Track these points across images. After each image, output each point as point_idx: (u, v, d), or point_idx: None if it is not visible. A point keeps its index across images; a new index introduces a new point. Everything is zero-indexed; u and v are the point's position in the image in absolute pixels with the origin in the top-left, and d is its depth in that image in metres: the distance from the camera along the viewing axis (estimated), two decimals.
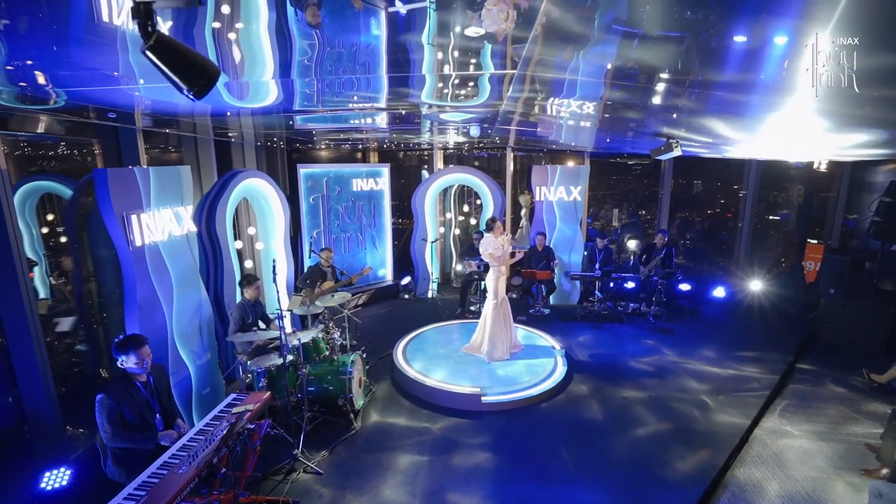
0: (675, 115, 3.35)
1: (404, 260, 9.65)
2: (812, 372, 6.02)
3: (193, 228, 4.68)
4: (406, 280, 9.16)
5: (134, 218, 3.80)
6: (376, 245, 9.08)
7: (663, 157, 4.37)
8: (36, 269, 6.22)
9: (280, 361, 4.56)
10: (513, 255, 5.82)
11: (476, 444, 4.45)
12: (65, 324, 5.62)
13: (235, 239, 6.76)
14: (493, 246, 5.51)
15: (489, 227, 5.71)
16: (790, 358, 6.21)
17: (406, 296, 9.10)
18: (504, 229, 8.96)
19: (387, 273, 9.36)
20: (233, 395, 3.85)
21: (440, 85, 3.31)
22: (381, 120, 5.60)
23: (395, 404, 5.21)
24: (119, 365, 3.17)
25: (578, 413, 4.97)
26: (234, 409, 3.57)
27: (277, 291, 4.42)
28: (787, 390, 5.55)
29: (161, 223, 4.18)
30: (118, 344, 3.16)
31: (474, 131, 5.16)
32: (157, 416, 3.25)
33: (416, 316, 7.99)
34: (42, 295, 6.14)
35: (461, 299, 8.03)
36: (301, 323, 6.32)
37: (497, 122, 5.00)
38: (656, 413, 4.95)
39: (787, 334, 7.07)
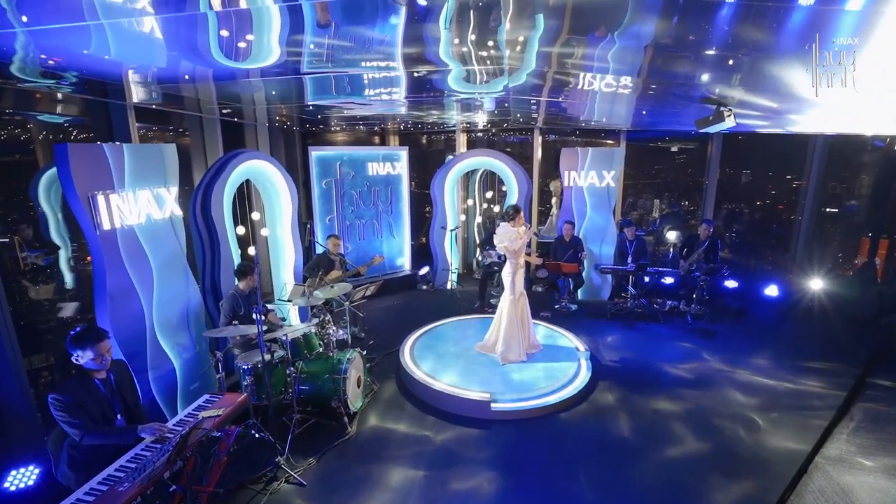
0: (731, 64, 2.62)
1: (424, 249, 9.17)
2: (888, 388, 5.10)
3: (179, 212, 4.33)
4: (424, 270, 8.68)
5: (101, 199, 3.45)
6: (393, 233, 8.62)
7: (712, 130, 3.62)
8: (61, 252, 6.12)
9: (268, 358, 4.19)
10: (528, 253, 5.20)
11: (480, 460, 3.92)
12: (67, 309, 5.48)
13: (238, 225, 6.46)
14: (510, 237, 4.92)
15: (509, 216, 5.12)
16: (859, 370, 5.31)
17: (424, 287, 8.64)
18: (526, 219, 8.36)
19: (405, 262, 8.91)
20: (206, 397, 3.49)
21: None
22: (398, 93, 4.94)
23: (396, 407, 4.75)
24: (74, 360, 2.83)
25: (601, 427, 4.35)
26: (202, 414, 3.19)
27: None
28: (856, 410, 4.69)
29: (138, 205, 3.84)
30: (73, 337, 2.82)
31: (488, 104, 4.55)
32: (119, 416, 2.92)
33: (432, 309, 7.51)
34: (68, 280, 6.03)
35: (480, 292, 7.47)
36: (308, 314, 5.95)
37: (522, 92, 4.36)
38: (693, 431, 4.26)
39: (856, 342, 6.11)
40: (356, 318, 6.45)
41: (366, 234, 8.31)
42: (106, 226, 3.50)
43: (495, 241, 5.10)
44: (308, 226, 6.12)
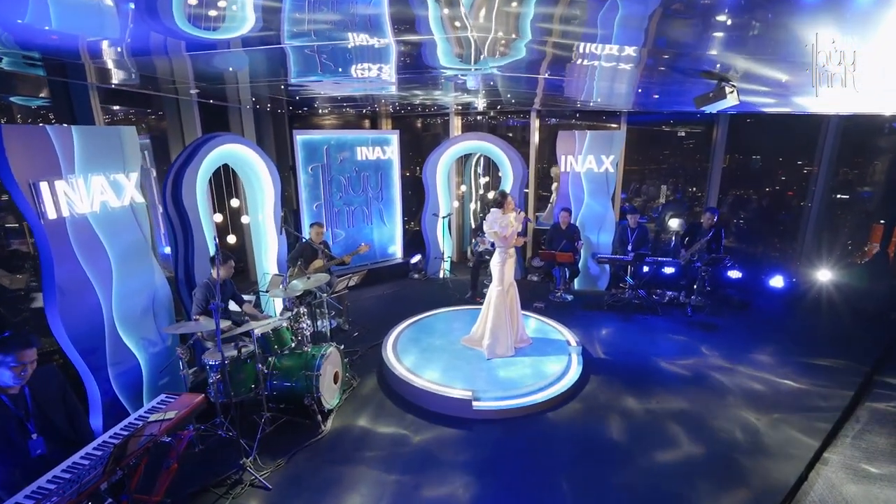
0: (732, 33, 2.28)
1: (420, 237, 8.88)
2: None
3: (140, 199, 4.07)
4: (416, 258, 8.42)
5: (44, 185, 3.19)
6: (384, 220, 8.34)
7: (712, 108, 3.28)
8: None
9: (234, 354, 3.97)
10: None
11: (458, 463, 3.70)
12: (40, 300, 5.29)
13: (216, 212, 6.20)
14: (500, 223, 4.63)
15: (498, 202, 4.82)
16: (868, 368, 5.02)
17: (416, 275, 8.38)
18: (520, 205, 8.01)
19: (397, 250, 8.64)
20: (162, 397, 3.26)
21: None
22: (387, 72, 4.56)
23: (374, 404, 4.53)
24: None
25: (589, 428, 4.10)
26: (153, 417, 2.97)
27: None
28: (864, 411, 4.41)
29: (91, 193, 3.58)
30: None
31: (471, 83, 4.22)
32: (35, 436, 2.56)
33: (422, 298, 7.27)
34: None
35: (472, 281, 7.21)
36: (294, 306, 5.72)
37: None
38: (687, 433, 4.01)
39: (865, 337, 5.79)
40: (341, 310, 6.23)
41: (355, 222, 8.03)
42: (52, 214, 3.25)
43: (485, 229, 4.82)
44: (283, 214, 5.81)
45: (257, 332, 4.14)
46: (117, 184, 3.82)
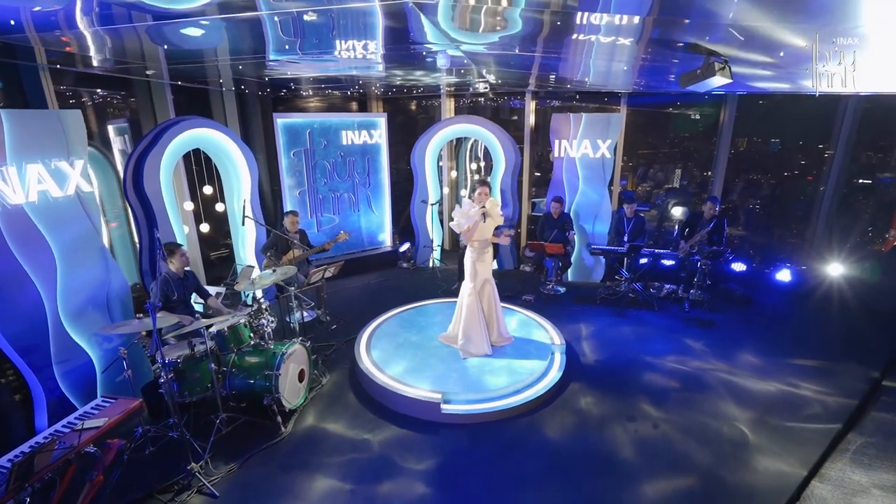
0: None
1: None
2: None
3: (88, 188, 3.83)
4: (405, 247, 8.14)
5: None
6: (372, 206, 8.05)
7: (700, 89, 2.88)
8: None
9: (188, 352, 3.77)
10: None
11: (419, 472, 3.46)
12: None
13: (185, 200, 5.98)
14: (464, 214, 4.28)
15: (473, 189, 4.47)
16: (876, 373, 4.64)
17: (405, 264, 8.11)
18: (514, 194, 7.63)
19: (386, 238, 8.37)
20: (97, 400, 3.08)
21: None
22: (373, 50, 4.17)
23: (341, 404, 4.32)
24: None
25: (565, 436, 3.83)
26: (80, 425, 2.77)
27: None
28: (867, 422, 4.04)
29: (26, 182, 3.34)
30: None
31: (441, 62, 3.85)
32: None
33: (409, 288, 7.03)
34: None
35: (459, 271, 6.89)
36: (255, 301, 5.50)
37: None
38: (670, 446, 3.71)
39: (877, 338, 5.38)
40: (320, 301, 6.00)
41: (341, 208, 7.76)
42: None
43: (452, 215, 4.46)
44: (244, 202, 5.54)
45: (214, 328, 3.94)
46: (59, 172, 3.58)
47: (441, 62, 3.86)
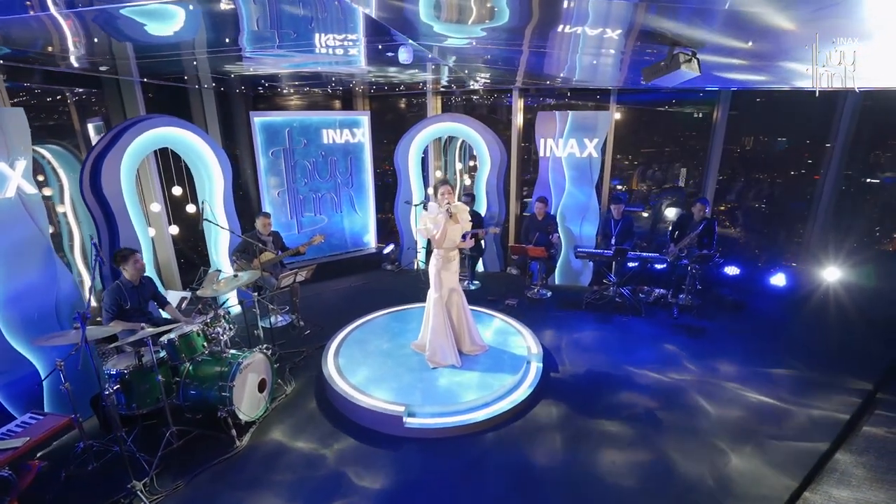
0: None
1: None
2: None
3: (31, 190, 3.65)
4: (389, 248, 7.94)
5: None
6: (355, 207, 7.85)
7: (667, 83, 2.65)
8: None
9: (135, 362, 3.59)
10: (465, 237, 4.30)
11: (373, 493, 3.26)
12: None
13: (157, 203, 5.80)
14: (433, 218, 4.06)
15: (435, 191, 4.23)
16: (870, 386, 4.38)
17: (389, 266, 7.91)
18: (501, 195, 7.38)
19: (370, 240, 8.17)
20: (25, 416, 2.90)
21: None
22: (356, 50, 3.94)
23: (303, 416, 4.12)
24: None
25: (532, 454, 3.60)
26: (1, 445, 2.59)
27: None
28: (860, 438, 3.78)
29: None
30: None
31: (404, 55, 3.63)
32: None
33: (391, 292, 6.82)
34: None
35: None
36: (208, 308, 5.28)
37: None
38: (645, 465, 3.48)
39: (875, 348, 5.11)
40: (294, 306, 5.81)
41: (323, 209, 7.56)
42: None
43: (419, 222, 4.24)
44: (202, 204, 5.35)
45: (165, 338, 3.75)
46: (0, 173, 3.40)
47: (403, 56, 3.65)
